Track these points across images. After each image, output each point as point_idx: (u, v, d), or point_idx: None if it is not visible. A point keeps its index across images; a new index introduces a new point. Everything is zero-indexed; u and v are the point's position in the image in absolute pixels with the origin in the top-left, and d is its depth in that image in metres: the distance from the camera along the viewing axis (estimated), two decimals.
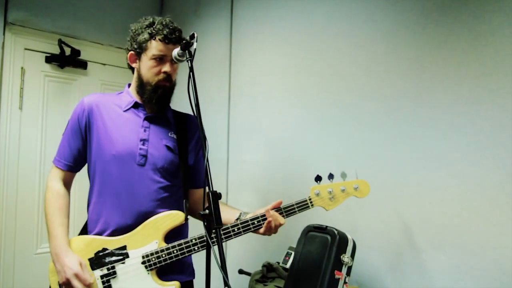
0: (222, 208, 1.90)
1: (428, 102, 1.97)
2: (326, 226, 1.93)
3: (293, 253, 2.15)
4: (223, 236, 1.70)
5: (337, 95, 2.36)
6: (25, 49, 3.14)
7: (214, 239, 1.58)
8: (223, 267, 1.29)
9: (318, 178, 1.79)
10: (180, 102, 1.90)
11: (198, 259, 1.85)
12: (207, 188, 1.39)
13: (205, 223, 1.41)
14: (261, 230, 1.74)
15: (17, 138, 3.09)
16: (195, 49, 1.56)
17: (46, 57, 3.24)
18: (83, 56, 3.40)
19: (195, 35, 1.57)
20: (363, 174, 1.83)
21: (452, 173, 1.88)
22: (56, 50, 3.26)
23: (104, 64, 3.54)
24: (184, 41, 1.57)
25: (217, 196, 1.40)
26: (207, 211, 1.39)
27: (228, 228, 1.72)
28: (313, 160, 2.43)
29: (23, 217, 3.08)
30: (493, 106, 1.76)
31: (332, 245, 1.85)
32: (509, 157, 1.71)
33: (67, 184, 1.89)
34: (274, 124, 2.70)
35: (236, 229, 1.73)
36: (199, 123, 1.48)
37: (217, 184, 2.95)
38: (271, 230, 1.75)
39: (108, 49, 3.55)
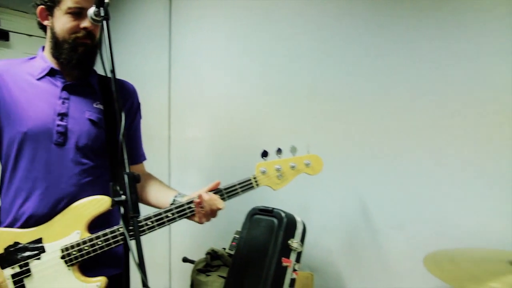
0: (156, 189, 1.72)
1: (387, 67, 1.81)
2: (273, 208, 1.75)
3: None
4: (145, 228, 1.49)
5: (287, 62, 2.17)
6: None
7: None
8: (141, 264, 1.07)
9: (264, 154, 1.58)
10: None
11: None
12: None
13: (121, 212, 1.17)
14: (195, 218, 1.53)
15: None
16: (107, 3, 1.31)
17: None
18: (3, 26, 3.08)
19: None
20: (317, 150, 1.65)
21: (412, 146, 1.75)
22: None
23: (30, 35, 3.21)
24: None
25: (135, 179, 1.17)
26: (123, 197, 1.15)
27: (149, 217, 1.51)
28: (263, 134, 2.25)
29: None
30: (455, 71, 1.63)
31: (278, 229, 1.67)
32: (472, 129, 1.60)
33: None
34: (219, 96, 2.50)
35: (150, 222, 1.51)
36: (114, 94, 1.24)
37: (158, 165, 2.72)
38: (207, 215, 1.53)
39: (35, 19, 3.21)
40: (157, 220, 1.50)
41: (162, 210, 1.52)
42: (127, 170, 1.16)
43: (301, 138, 1.63)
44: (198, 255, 2.20)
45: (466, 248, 1.49)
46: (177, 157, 2.75)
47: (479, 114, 1.59)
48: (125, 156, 1.18)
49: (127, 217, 1.15)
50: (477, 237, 1.56)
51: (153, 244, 2.76)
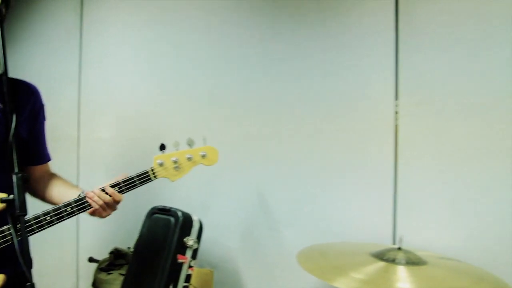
0: (60, 189, 1.72)
1: (281, 75, 1.96)
2: (170, 208, 1.82)
3: None
4: (44, 223, 1.50)
5: (189, 67, 2.27)
6: None
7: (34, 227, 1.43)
8: (26, 260, 1.12)
9: (162, 147, 1.62)
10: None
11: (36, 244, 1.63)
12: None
13: (9, 211, 1.20)
14: (89, 211, 1.56)
15: None
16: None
17: None
18: None
19: None
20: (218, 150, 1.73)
21: (302, 149, 1.90)
22: None
23: None
24: None
25: (24, 179, 1.20)
26: (11, 196, 1.18)
27: (48, 212, 1.51)
28: (168, 136, 2.26)
29: None
30: (340, 80, 1.80)
31: (175, 227, 1.75)
32: (353, 134, 1.77)
33: None
34: (128, 98, 2.53)
35: (49, 217, 1.51)
36: (6, 96, 1.26)
37: (67, 165, 2.69)
38: (105, 209, 1.56)
39: None
40: (56, 215, 1.50)
41: (61, 205, 1.52)
42: (16, 170, 1.20)
43: (202, 138, 1.70)
44: (106, 255, 2.22)
45: (337, 242, 1.65)
46: (86, 157, 2.73)
47: (360, 120, 1.78)
48: (15, 156, 1.21)
49: (14, 215, 1.19)
50: (354, 232, 1.74)
51: (61, 245, 2.73)
